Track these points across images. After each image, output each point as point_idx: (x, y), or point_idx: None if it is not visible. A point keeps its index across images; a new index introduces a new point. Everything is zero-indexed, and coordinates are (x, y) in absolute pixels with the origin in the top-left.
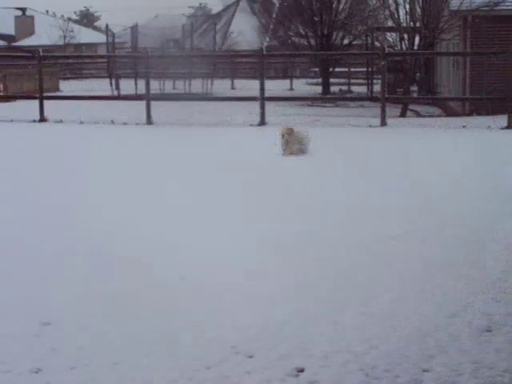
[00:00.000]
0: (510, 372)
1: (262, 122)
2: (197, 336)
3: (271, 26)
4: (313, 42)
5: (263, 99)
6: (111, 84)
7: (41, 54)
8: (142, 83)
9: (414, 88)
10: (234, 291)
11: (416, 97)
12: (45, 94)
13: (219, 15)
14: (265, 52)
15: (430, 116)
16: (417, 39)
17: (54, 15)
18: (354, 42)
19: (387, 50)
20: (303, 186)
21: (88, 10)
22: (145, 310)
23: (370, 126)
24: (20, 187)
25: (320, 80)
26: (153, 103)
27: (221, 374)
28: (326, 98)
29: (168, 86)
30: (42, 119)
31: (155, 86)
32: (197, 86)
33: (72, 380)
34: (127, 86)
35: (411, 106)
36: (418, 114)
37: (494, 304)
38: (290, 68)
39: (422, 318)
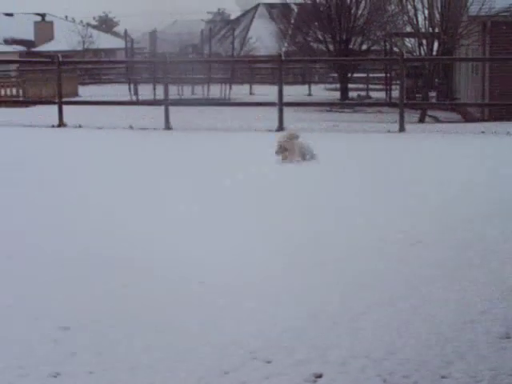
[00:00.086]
0: None
1: (281, 128)
2: (214, 341)
3: (289, 32)
4: (331, 47)
5: (281, 105)
6: (130, 89)
7: (60, 59)
8: (160, 88)
9: (433, 94)
10: (251, 297)
11: (435, 102)
12: (64, 99)
13: (237, 21)
14: (283, 57)
15: (449, 122)
16: (435, 45)
17: (73, 21)
18: (373, 48)
19: (406, 55)
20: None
21: (107, 15)
22: (162, 315)
23: (389, 131)
24: (37, 191)
25: (338, 85)
26: (171, 108)
27: (238, 380)
28: (344, 103)
29: (186, 92)
30: (61, 124)
31: (174, 91)
32: (215, 91)
33: None
34: (145, 91)
35: (430, 112)
36: (437, 120)
37: None
38: (309, 73)
39: (440, 324)
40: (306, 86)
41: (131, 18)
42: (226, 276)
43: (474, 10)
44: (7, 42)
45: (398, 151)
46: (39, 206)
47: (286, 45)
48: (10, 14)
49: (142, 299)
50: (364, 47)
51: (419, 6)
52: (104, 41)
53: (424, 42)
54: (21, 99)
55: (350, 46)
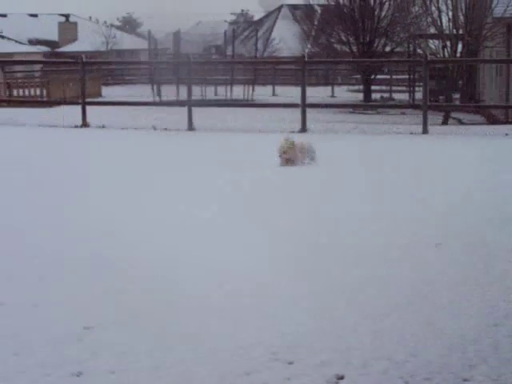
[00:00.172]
0: None
1: (303, 129)
2: (235, 342)
3: (313, 33)
4: (354, 48)
5: (304, 106)
6: (153, 90)
7: (84, 60)
8: (183, 89)
9: (457, 96)
10: (273, 298)
11: (458, 104)
12: (87, 100)
13: (261, 22)
14: (306, 59)
15: (473, 124)
16: (459, 46)
17: (97, 21)
18: (396, 49)
19: (429, 57)
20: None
21: (130, 16)
22: (182, 317)
23: (411, 133)
24: (61, 191)
25: (361, 87)
26: (194, 109)
27: (260, 380)
28: (367, 105)
29: (209, 92)
30: (85, 124)
31: (197, 92)
32: (238, 92)
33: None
34: (169, 91)
35: (453, 114)
36: (460, 122)
37: None
38: (332, 75)
39: (462, 326)
40: (329, 88)
41: (155, 19)
42: (242, 279)
43: (498, 11)
44: (31, 42)
45: (419, 153)
46: (65, 205)
47: (309, 46)
48: (35, 15)
49: (163, 301)
50: (387, 49)
51: (443, 7)
52: (127, 41)
53: (448, 43)
54: (45, 99)
55: (374, 48)
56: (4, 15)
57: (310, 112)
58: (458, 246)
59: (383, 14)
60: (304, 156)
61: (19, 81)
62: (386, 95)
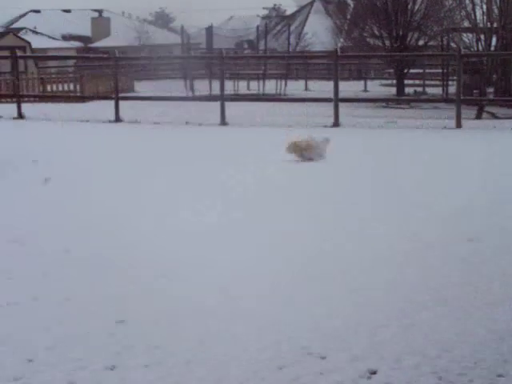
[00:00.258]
0: None
1: (336, 124)
2: (268, 337)
3: (345, 27)
4: (387, 43)
5: (337, 100)
6: (186, 85)
7: (117, 55)
8: (216, 84)
9: (490, 90)
10: (306, 293)
11: (492, 98)
12: (120, 95)
13: (293, 16)
14: (339, 53)
15: (507, 118)
16: (494, 40)
17: (130, 16)
18: (430, 43)
19: (463, 51)
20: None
21: (163, 11)
22: (214, 312)
23: (445, 127)
24: (94, 187)
25: (394, 81)
26: (227, 104)
27: (293, 375)
28: (400, 99)
29: (242, 87)
30: (118, 119)
31: (229, 86)
32: (270, 86)
33: (146, 377)
34: (201, 86)
35: (487, 108)
36: (494, 116)
37: None
38: (365, 69)
39: (496, 321)
40: (362, 82)
41: (187, 14)
42: (270, 275)
43: None
44: (65, 38)
45: (452, 148)
46: (102, 200)
47: (341, 40)
48: (68, 11)
49: (193, 295)
50: (421, 43)
51: (477, 0)
52: (160, 36)
53: (482, 37)
54: (78, 95)
55: (407, 42)
56: (38, 11)
57: (342, 106)
58: (495, 244)
59: (416, 7)
60: (310, 153)
61: (53, 76)
62: (419, 89)
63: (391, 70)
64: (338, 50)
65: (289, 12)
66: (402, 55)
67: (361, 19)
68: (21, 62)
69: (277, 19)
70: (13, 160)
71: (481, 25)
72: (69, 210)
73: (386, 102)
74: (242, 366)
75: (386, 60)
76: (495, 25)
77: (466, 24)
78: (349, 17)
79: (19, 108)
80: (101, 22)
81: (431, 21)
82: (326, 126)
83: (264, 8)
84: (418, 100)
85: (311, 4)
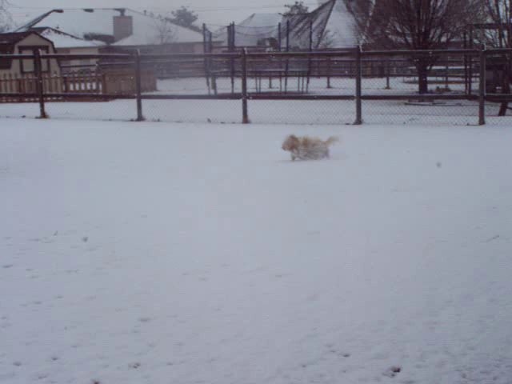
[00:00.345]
0: None
1: (358, 121)
2: (291, 335)
3: (367, 24)
4: (410, 39)
5: (359, 98)
6: (208, 83)
7: (139, 54)
8: (238, 82)
9: None
10: (329, 291)
11: None
12: (142, 94)
13: (315, 14)
14: (361, 50)
15: None
16: None
17: (152, 15)
18: (452, 40)
19: (486, 47)
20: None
21: (185, 9)
22: (238, 309)
23: (468, 124)
24: (116, 184)
25: (417, 78)
26: (249, 102)
27: (316, 373)
28: (422, 96)
29: (264, 85)
30: (140, 118)
31: (251, 84)
32: (292, 84)
33: (170, 375)
34: (224, 84)
35: (510, 105)
36: None
37: None
38: (387, 66)
39: None
40: (384, 79)
41: (209, 12)
42: (297, 271)
43: None
44: (87, 37)
45: (475, 145)
46: (128, 199)
47: (363, 37)
48: (90, 10)
49: (218, 292)
50: (443, 39)
51: None
52: (182, 35)
53: (505, 33)
54: (100, 93)
55: (429, 39)
56: (60, 11)
57: (364, 104)
58: None
59: (439, 3)
60: (305, 151)
61: (75, 75)
62: (441, 86)
63: (414, 67)
64: (360, 47)
65: (310, 9)
66: (424, 52)
67: (383, 16)
68: (44, 61)
69: (298, 17)
70: (37, 160)
71: (504, 21)
72: (98, 207)
73: (408, 99)
74: (266, 364)
75: (409, 57)
76: None
77: (489, 20)
78: (371, 14)
79: (42, 107)
80: (123, 20)
81: (454, 17)
82: (348, 124)
83: (286, 6)
84: (441, 97)
85: (333, 1)
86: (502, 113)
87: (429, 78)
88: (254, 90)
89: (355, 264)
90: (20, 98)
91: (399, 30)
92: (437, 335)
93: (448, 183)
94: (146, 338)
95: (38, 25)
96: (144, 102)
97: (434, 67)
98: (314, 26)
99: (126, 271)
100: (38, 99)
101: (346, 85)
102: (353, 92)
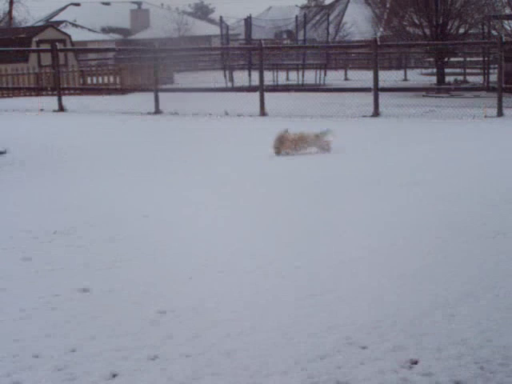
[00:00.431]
0: None
1: (376, 113)
2: (309, 327)
3: (385, 16)
4: (427, 31)
5: (377, 90)
6: (225, 76)
7: (156, 47)
8: (255, 75)
9: None
10: (347, 283)
11: None
12: (160, 87)
13: (332, 6)
14: (379, 42)
15: None
16: None
17: (169, 8)
18: (470, 31)
19: (504, 38)
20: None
21: (202, 2)
22: (254, 302)
23: (486, 116)
24: (141, 179)
25: (435, 70)
26: (266, 94)
27: (334, 364)
28: (440, 88)
29: (281, 78)
30: (158, 111)
31: (269, 77)
32: (310, 77)
33: (187, 367)
34: (241, 77)
35: None
36: None
37: None
38: (404, 58)
39: None
40: (402, 71)
41: (226, 5)
42: (318, 263)
43: None
44: (104, 30)
45: (493, 137)
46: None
47: (381, 29)
48: (107, 3)
49: (235, 285)
50: (461, 31)
51: None
52: (199, 28)
53: None
54: (118, 87)
55: (447, 30)
56: (77, 4)
57: (382, 96)
58: None
59: None
60: (296, 146)
61: (93, 69)
62: (459, 78)
63: (431, 59)
64: (378, 39)
65: (328, 2)
66: (442, 44)
67: (400, 8)
68: (61, 55)
69: (316, 9)
70: (55, 153)
71: None
72: (116, 202)
73: (426, 91)
74: (283, 356)
75: (426, 49)
76: None
77: (508, 11)
78: (388, 6)
79: (60, 101)
80: (140, 14)
81: (472, 8)
82: (365, 116)
83: None
84: (459, 89)
85: None
86: None
87: (447, 70)
88: (271, 83)
89: (371, 257)
90: (38, 91)
91: (417, 21)
92: (454, 327)
93: (465, 176)
94: (163, 330)
95: (56, 18)
96: (161, 94)
97: (451, 59)
98: (331, 18)
99: (143, 264)
100: (55, 93)
101: (363, 77)
102: (370, 84)
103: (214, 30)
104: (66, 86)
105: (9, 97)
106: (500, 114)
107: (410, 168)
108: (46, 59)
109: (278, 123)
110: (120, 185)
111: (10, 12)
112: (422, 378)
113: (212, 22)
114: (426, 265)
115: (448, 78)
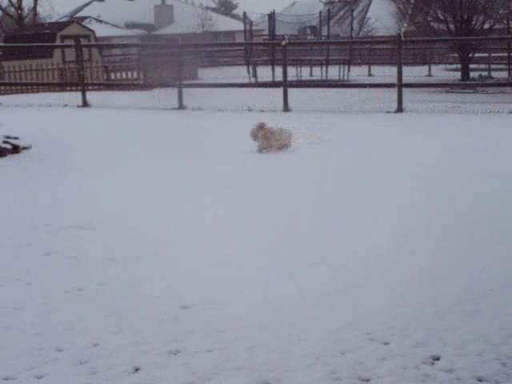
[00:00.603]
0: None
1: (400, 109)
2: (330, 323)
3: (409, 12)
4: (452, 27)
5: (401, 86)
6: (248, 71)
7: (180, 42)
8: (278, 70)
9: None
10: (367, 280)
11: None
12: (184, 82)
13: (356, 1)
14: (403, 38)
15: None
16: None
17: (193, 4)
18: (495, 27)
19: None
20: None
21: None
22: (276, 296)
23: (510, 112)
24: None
25: (459, 66)
26: (289, 90)
27: (356, 360)
28: (465, 84)
29: (305, 73)
30: (181, 106)
31: (292, 72)
32: (333, 72)
33: (209, 362)
34: (264, 73)
35: None
36: None
37: None
38: (429, 54)
39: None
40: (426, 67)
41: (250, 0)
42: (336, 260)
43: None
44: (128, 26)
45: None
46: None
47: (405, 25)
48: None
49: (257, 280)
50: (486, 26)
51: None
52: (223, 23)
53: None
54: (141, 82)
55: (472, 26)
56: (101, 0)
57: (406, 92)
58: None
59: None
60: (275, 142)
61: (117, 64)
62: (484, 74)
63: (456, 55)
64: (402, 34)
65: None
66: (466, 39)
67: (424, 3)
68: (85, 50)
69: (339, 4)
70: (78, 149)
71: None
72: (132, 199)
73: (450, 86)
74: (305, 351)
75: (451, 44)
76: None
77: None
78: (412, 1)
79: (84, 96)
80: (164, 9)
81: (497, 3)
82: (389, 112)
83: None
84: (483, 84)
85: None
86: None
87: (471, 66)
88: (295, 79)
89: (393, 252)
90: (62, 86)
91: (441, 17)
92: (477, 324)
93: (488, 171)
94: (185, 325)
95: (80, 14)
96: (185, 90)
97: (476, 54)
98: (355, 13)
99: (164, 260)
100: (79, 88)
101: (387, 72)
102: (394, 80)
103: (238, 25)
104: (90, 81)
105: (33, 92)
106: None
107: (440, 164)
108: (71, 55)
109: (301, 119)
110: (142, 182)
111: (34, 8)
112: (444, 374)
113: (235, 17)
114: (449, 261)
115: (472, 74)
